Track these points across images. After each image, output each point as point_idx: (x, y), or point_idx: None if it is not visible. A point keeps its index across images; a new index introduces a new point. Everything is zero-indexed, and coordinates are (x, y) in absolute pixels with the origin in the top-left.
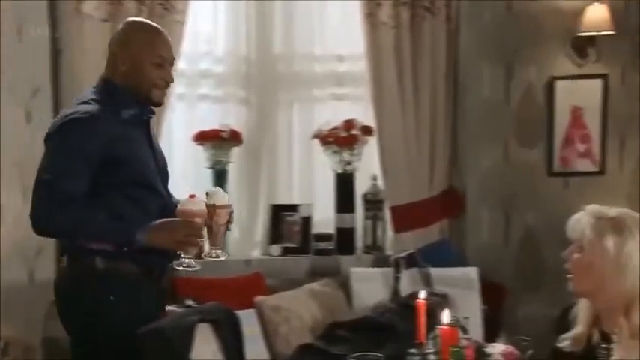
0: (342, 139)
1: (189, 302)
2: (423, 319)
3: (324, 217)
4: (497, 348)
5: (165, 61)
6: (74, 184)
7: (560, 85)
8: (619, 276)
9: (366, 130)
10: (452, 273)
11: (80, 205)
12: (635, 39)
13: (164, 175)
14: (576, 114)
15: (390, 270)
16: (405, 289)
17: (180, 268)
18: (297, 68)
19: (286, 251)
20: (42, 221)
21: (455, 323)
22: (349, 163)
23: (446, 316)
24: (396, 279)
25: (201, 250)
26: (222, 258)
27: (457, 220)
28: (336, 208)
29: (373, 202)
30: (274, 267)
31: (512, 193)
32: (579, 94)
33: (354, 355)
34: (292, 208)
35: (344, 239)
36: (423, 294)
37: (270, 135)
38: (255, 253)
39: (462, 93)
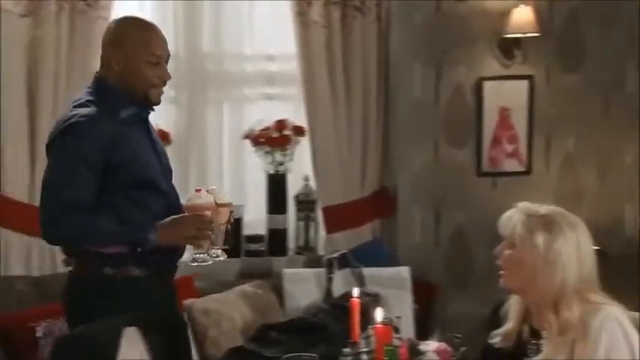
0: (274, 139)
1: None
2: (357, 317)
3: (256, 219)
4: (430, 346)
5: (160, 59)
6: (80, 191)
7: (488, 85)
8: (548, 273)
9: (298, 131)
10: (384, 273)
11: (88, 211)
12: (558, 40)
13: (167, 172)
14: (504, 114)
15: (322, 271)
16: (337, 289)
17: (195, 264)
18: (227, 67)
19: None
20: (51, 231)
21: (388, 322)
22: (281, 164)
23: (379, 314)
24: (329, 280)
25: (212, 244)
26: (222, 258)
27: (389, 219)
28: (268, 209)
29: (305, 203)
30: (206, 269)
31: (442, 193)
32: (506, 95)
33: (287, 356)
34: None
35: (276, 240)
36: (356, 292)
37: (199, 135)
38: (185, 256)
39: (393, 93)
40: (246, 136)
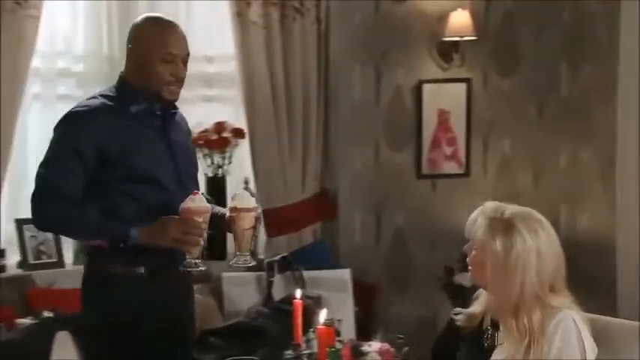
0: (213, 141)
1: (47, 313)
2: (299, 319)
3: None
4: (373, 346)
5: (176, 57)
6: (65, 179)
7: (427, 88)
8: (507, 279)
9: (237, 133)
10: (325, 275)
11: (71, 201)
12: (495, 44)
13: (182, 173)
14: (443, 117)
15: (262, 274)
16: (278, 293)
17: (184, 269)
18: None
19: None
20: (36, 217)
21: (331, 323)
22: (220, 167)
23: (322, 316)
24: (269, 283)
25: (203, 250)
26: (251, 264)
27: (330, 222)
28: None
29: None
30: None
31: (382, 195)
32: (445, 98)
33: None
34: None
35: (215, 244)
36: (298, 293)
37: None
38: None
39: (334, 94)
40: None
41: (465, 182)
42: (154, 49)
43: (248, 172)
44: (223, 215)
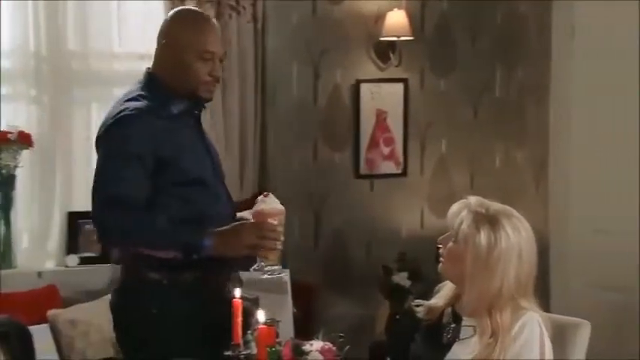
0: None
1: None
2: (238, 319)
3: None
4: (315, 346)
5: (213, 55)
6: (130, 188)
7: (365, 88)
8: (487, 276)
9: None
10: (263, 276)
11: (141, 210)
12: (431, 45)
13: (219, 174)
14: (381, 117)
15: None
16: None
17: (265, 276)
18: (94, 66)
19: (84, 261)
20: (103, 232)
21: (272, 323)
22: None
23: (261, 315)
24: None
25: (281, 254)
26: (282, 275)
27: None
28: None
29: None
30: (71, 279)
31: (321, 195)
32: (383, 98)
33: None
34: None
35: None
36: (238, 293)
37: (65, 137)
38: (49, 265)
39: (272, 94)
40: None
41: (402, 182)
42: (192, 47)
43: None
44: (241, 219)
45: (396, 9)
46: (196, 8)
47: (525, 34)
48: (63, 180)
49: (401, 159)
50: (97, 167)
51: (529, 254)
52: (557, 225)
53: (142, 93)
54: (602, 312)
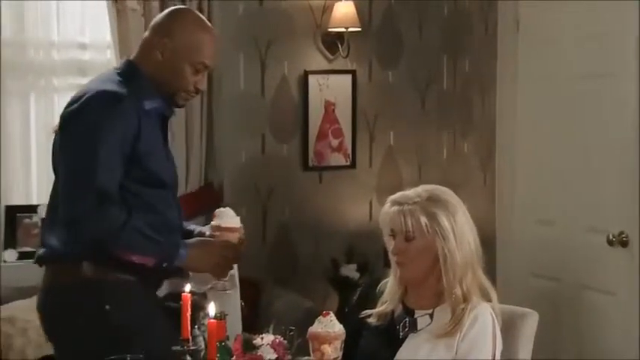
0: None
1: None
2: (187, 313)
3: None
4: (265, 340)
5: (206, 69)
6: (110, 178)
7: (313, 79)
8: (460, 248)
9: None
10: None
11: (117, 205)
12: (378, 36)
13: (176, 183)
14: (329, 109)
15: None
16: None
17: (217, 292)
18: (31, 56)
19: (23, 256)
20: (85, 228)
21: (222, 317)
22: None
23: (211, 309)
24: None
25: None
26: (229, 291)
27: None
28: None
29: None
30: (9, 274)
31: (268, 188)
32: (331, 89)
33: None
34: (31, 208)
35: None
36: (187, 287)
37: (1, 128)
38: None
39: (218, 85)
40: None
41: (350, 174)
42: (188, 53)
43: None
44: (201, 234)
45: (344, 0)
46: (200, 14)
47: (471, 26)
48: (0, 173)
49: (349, 151)
50: (70, 153)
51: (467, 212)
52: (502, 215)
53: (120, 79)
54: (544, 301)
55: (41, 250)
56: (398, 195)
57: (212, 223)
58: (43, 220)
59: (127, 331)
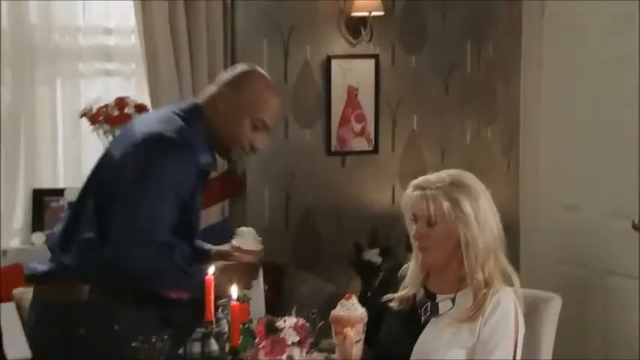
0: (114, 118)
1: None
2: (211, 296)
3: None
4: (288, 322)
5: (265, 127)
6: (166, 225)
7: (335, 64)
8: (482, 234)
9: (141, 109)
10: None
11: (169, 249)
12: (401, 21)
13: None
14: (352, 93)
15: None
16: None
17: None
18: (58, 41)
19: None
20: (128, 268)
21: (245, 299)
22: None
23: (234, 292)
24: None
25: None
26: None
27: (238, 200)
28: None
29: None
30: (36, 257)
31: (291, 173)
32: (354, 74)
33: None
34: (58, 192)
35: None
36: (211, 270)
37: (29, 113)
38: (14, 243)
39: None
40: (84, 114)
41: (373, 159)
42: (250, 106)
43: None
44: (218, 253)
45: None
46: (267, 75)
47: (496, 11)
48: (28, 157)
49: (372, 136)
50: (130, 189)
51: (490, 197)
52: (526, 201)
53: (184, 125)
54: (569, 287)
55: (44, 267)
56: (421, 179)
57: (232, 242)
58: (48, 236)
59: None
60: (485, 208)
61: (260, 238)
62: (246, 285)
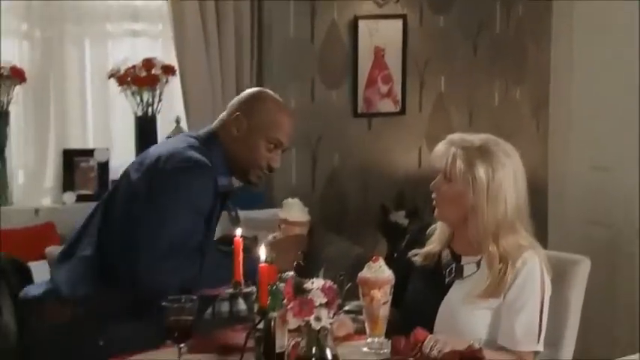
0: (142, 78)
1: None
2: (240, 257)
3: (124, 163)
4: (316, 284)
5: (281, 146)
6: (195, 239)
7: (362, 24)
8: (491, 205)
9: (168, 70)
10: (260, 215)
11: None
12: None
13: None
14: (379, 54)
15: None
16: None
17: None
18: (86, 1)
19: (81, 199)
20: (161, 282)
21: (272, 261)
22: (150, 105)
23: (262, 253)
24: None
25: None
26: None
27: None
28: (137, 153)
29: None
30: (67, 216)
31: (318, 134)
32: (381, 35)
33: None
34: (87, 152)
35: None
36: (239, 232)
37: (58, 73)
38: (46, 202)
39: (268, 32)
40: (112, 75)
41: (400, 120)
42: (265, 129)
43: (179, 110)
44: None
45: None
46: (277, 96)
47: None
48: (57, 117)
49: (399, 97)
50: (159, 210)
51: (522, 174)
52: (555, 162)
53: (203, 148)
54: (598, 248)
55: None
56: (456, 135)
57: (280, 215)
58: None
59: None
60: (502, 179)
61: (307, 209)
62: (295, 258)
